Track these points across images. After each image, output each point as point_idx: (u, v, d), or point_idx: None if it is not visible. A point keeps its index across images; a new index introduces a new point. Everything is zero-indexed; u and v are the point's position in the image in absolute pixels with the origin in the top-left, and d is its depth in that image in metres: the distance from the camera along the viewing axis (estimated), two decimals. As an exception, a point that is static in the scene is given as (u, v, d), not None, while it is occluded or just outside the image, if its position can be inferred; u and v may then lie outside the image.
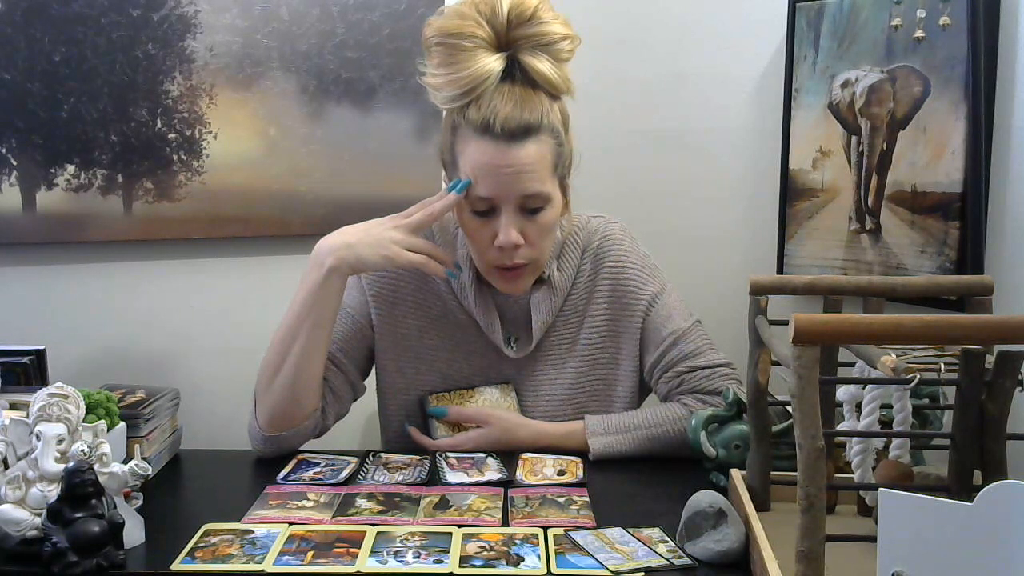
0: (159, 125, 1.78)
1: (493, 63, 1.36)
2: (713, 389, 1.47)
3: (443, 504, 1.24)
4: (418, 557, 1.08)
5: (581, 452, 1.45)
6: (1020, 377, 0.97)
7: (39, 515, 1.06)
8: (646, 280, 1.53)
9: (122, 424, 1.27)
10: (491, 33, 1.36)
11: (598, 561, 1.08)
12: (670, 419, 1.45)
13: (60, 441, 1.08)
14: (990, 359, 0.99)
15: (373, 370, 1.58)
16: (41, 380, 1.42)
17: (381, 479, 1.34)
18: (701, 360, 1.49)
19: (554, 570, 1.06)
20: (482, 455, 1.43)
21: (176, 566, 1.07)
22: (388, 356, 1.53)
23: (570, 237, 1.54)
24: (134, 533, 1.12)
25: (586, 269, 1.54)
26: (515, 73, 1.39)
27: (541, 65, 1.38)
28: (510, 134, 1.35)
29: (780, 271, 2.04)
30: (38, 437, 1.08)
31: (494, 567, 1.06)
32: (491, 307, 1.51)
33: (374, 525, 1.17)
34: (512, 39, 1.38)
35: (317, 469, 1.38)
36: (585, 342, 1.53)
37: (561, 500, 1.26)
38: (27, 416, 1.10)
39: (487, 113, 1.35)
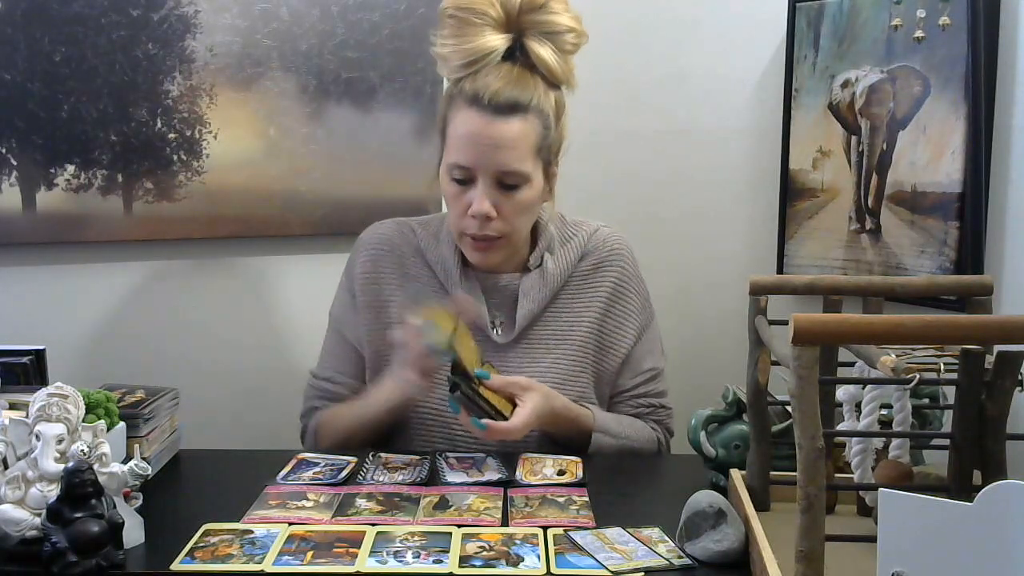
0: (159, 125, 1.78)
1: (497, 41, 1.42)
2: (668, 426, 1.60)
3: (443, 504, 1.24)
4: (418, 557, 1.08)
5: (574, 439, 1.47)
6: (1020, 377, 0.97)
7: (39, 515, 1.06)
8: (641, 308, 1.59)
9: (122, 424, 1.27)
10: (501, 14, 1.42)
11: (598, 561, 1.08)
12: (646, 439, 1.56)
13: (60, 441, 1.08)
14: (990, 359, 0.99)
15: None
16: (41, 380, 1.42)
17: (381, 479, 1.34)
18: (666, 400, 1.62)
19: (554, 570, 1.06)
20: (482, 455, 1.43)
21: (176, 566, 1.07)
22: (378, 360, 1.55)
23: (573, 237, 1.57)
24: (134, 533, 1.12)
25: (586, 272, 1.56)
26: (516, 55, 1.45)
27: (543, 51, 1.44)
28: (496, 107, 1.40)
29: (780, 271, 2.04)
30: (38, 437, 1.08)
31: (494, 567, 1.06)
32: (477, 290, 1.53)
33: (374, 525, 1.17)
34: (520, 23, 1.43)
35: (317, 469, 1.38)
36: (571, 342, 1.54)
37: (561, 500, 1.26)
38: (27, 416, 1.10)
39: (480, 86, 1.41)
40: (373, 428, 1.50)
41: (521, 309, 1.52)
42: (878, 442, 1.16)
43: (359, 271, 1.57)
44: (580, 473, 1.37)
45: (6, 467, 1.10)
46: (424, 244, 1.56)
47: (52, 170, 1.70)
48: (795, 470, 0.92)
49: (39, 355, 1.43)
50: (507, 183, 1.43)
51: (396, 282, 1.55)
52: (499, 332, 1.53)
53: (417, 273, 1.55)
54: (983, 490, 0.82)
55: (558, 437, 1.48)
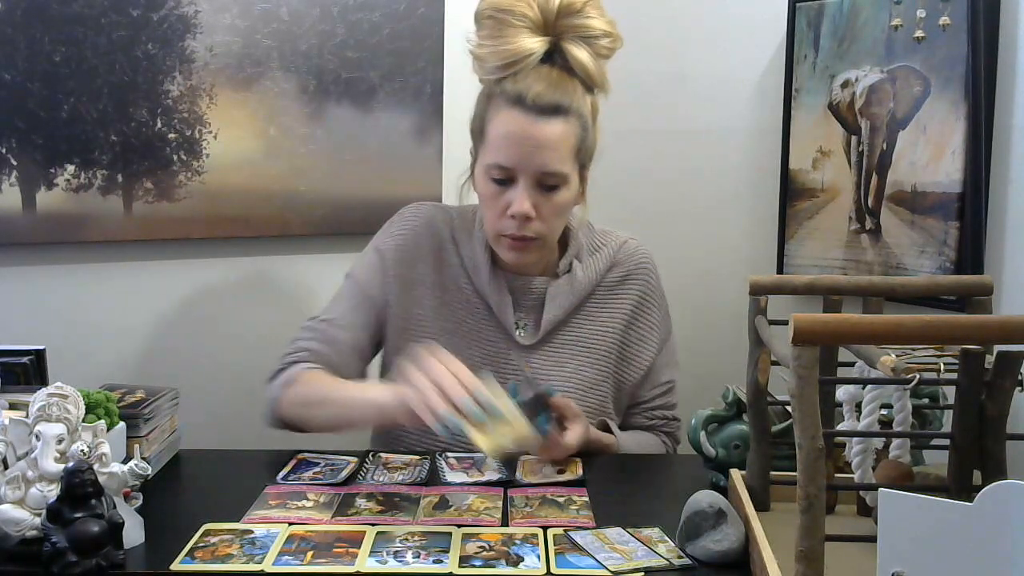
0: (159, 125, 1.78)
1: (535, 44, 1.43)
2: (677, 438, 1.63)
3: (443, 504, 1.24)
4: (418, 557, 1.08)
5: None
6: (1020, 377, 0.97)
7: (39, 515, 1.06)
8: (662, 322, 1.61)
9: (122, 424, 1.27)
10: (539, 17, 1.42)
11: (598, 561, 1.08)
12: (658, 453, 1.59)
13: (60, 441, 1.08)
14: (990, 359, 0.99)
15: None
16: (41, 380, 1.42)
17: (381, 479, 1.34)
18: (677, 412, 1.63)
19: (554, 570, 1.06)
20: (482, 455, 1.43)
21: (176, 566, 1.07)
22: (400, 339, 1.54)
23: (603, 247, 1.58)
24: (133, 533, 1.12)
25: (613, 282, 1.57)
26: (555, 58, 1.45)
27: (581, 54, 1.44)
28: (540, 109, 1.41)
29: (780, 271, 2.05)
30: (38, 437, 1.08)
31: (494, 567, 1.06)
32: (504, 290, 1.53)
33: (374, 525, 1.17)
34: (558, 27, 1.44)
35: (317, 469, 1.38)
36: (594, 351, 1.55)
37: (561, 500, 1.26)
38: (27, 416, 1.10)
39: (523, 87, 1.41)
40: (348, 424, 1.46)
41: (547, 314, 1.53)
42: (878, 442, 1.16)
43: (397, 242, 1.56)
44: (580, 473, 1.37)
45: (6, 467, 1.10)
46: (459, 235, 1.57)
47: (52, 170, 1.70)
48: (795, 470, 0.92)
49: (39, 355, 1.43)
50: (547, 184, 1.43)
51: (431, 265, 1.55)
52: (522, 334, 1.54)
53: (450, 261, 1.56)
54: (983, 490, 0.82)
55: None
